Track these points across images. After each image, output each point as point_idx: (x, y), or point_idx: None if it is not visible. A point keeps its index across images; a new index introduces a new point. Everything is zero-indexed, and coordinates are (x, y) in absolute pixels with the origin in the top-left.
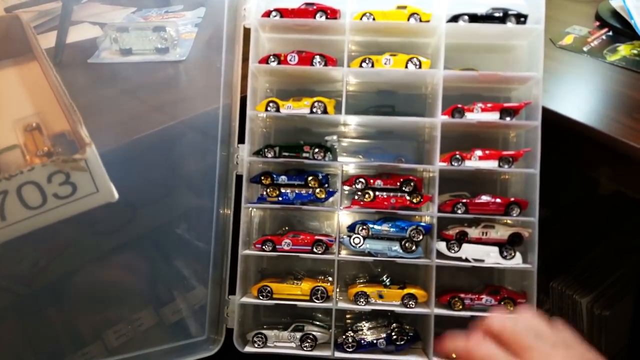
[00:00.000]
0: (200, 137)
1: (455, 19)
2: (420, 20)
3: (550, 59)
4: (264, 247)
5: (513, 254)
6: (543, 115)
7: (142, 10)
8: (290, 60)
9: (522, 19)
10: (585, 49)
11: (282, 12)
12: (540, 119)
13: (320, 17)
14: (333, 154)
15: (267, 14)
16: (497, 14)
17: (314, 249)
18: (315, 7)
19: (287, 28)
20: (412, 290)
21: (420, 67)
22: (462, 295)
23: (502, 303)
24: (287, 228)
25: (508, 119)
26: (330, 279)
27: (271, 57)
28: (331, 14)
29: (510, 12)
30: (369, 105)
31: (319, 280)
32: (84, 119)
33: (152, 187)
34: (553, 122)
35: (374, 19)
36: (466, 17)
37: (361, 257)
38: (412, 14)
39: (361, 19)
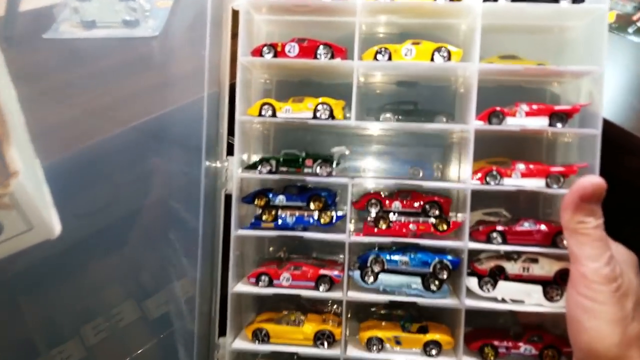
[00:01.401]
0: (180, 141)
1: None
2: None
3: None
4: (259, 281)
5: (560, 295)
6: None
7: None
8: (289, 51)
9: None
10: (630, 29)
11: None
12: (601, 127)
13: None
14: (341, 167)
15: None
16: None
17: (318, 286)
18: None
19: (286, 9)
20: (436, 336)
21: (449, 58)
22: (496, 343)
23: (544, 352)
24: (286, 250)
25: (559, 125)
26: (338, 310)
27: (265, 48)
28: None
29: None
30: (387, 100)
31: (324, 322)
32: (38, 111)
33: (119, 200)
34: None
35: None
36: None
37: (374, 295)
38: None
39: None
